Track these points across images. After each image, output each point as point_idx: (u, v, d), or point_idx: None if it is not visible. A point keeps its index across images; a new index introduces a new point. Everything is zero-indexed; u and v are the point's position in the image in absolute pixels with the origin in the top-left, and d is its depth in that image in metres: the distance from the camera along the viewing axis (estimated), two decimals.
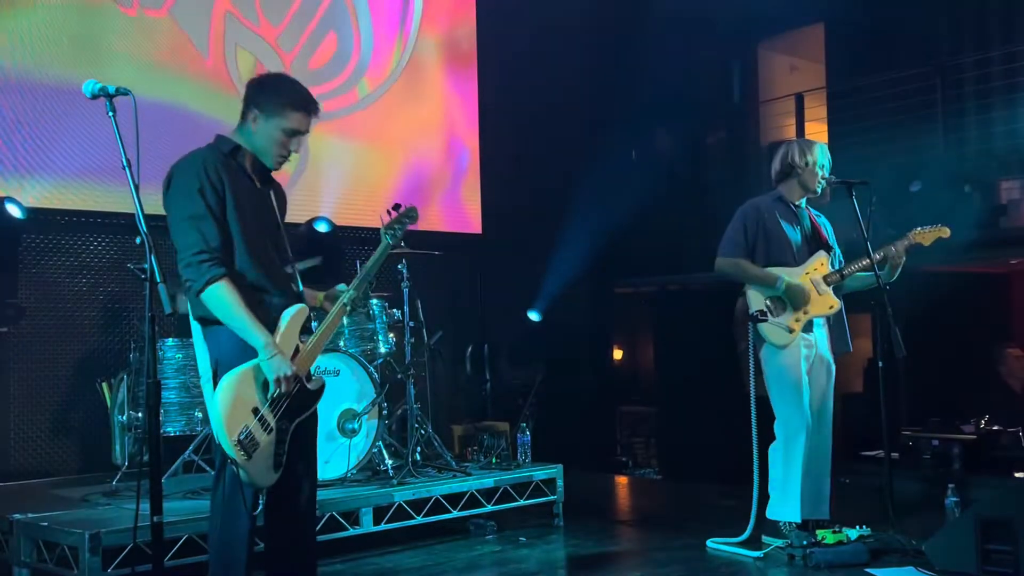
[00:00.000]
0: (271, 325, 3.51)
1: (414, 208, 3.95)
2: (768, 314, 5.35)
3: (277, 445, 3.47)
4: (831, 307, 5.45)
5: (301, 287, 3.79)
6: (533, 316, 8.53)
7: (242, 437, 3.37)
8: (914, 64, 8.58)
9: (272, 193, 3.76)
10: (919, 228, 5.45)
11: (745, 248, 5.44)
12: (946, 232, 5.44)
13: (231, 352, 3.47)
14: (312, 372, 3.72)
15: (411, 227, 3.99)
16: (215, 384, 3.45)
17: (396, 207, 3.94)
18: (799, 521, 5.38)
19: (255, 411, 3.43)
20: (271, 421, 3.46)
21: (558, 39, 8.87)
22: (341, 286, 3.86)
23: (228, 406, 3.38)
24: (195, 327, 3.60)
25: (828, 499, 5.50)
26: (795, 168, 5.49)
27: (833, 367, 5.54)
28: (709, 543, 5.43)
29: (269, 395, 3.46)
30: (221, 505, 3.55)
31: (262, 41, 7.32)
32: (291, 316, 3.56)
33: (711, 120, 9.65)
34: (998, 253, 7.64)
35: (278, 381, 3.42)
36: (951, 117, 8.36)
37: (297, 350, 3.57)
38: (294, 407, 3.54)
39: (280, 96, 3.65)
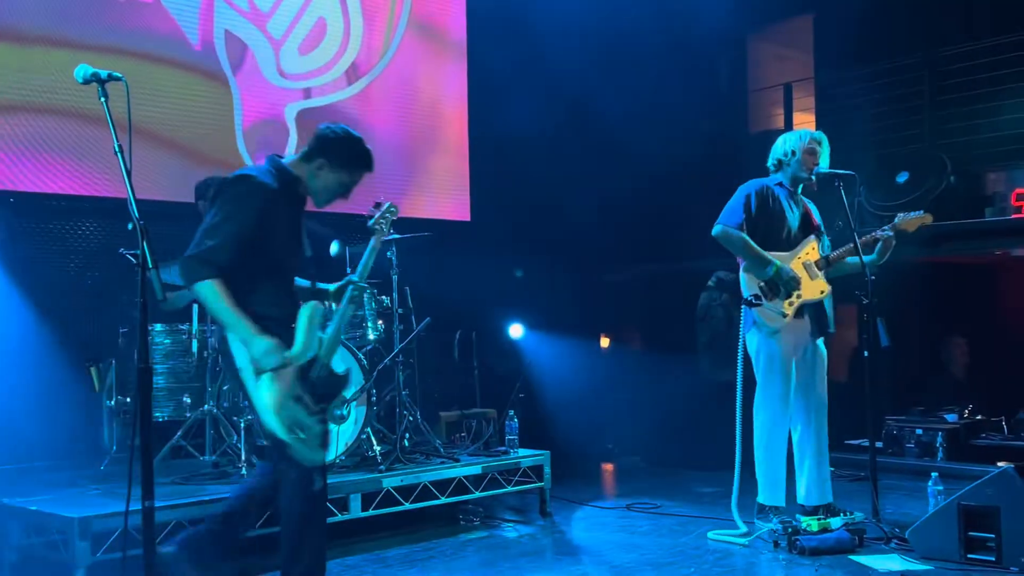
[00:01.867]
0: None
1: (394, 205, 4.35)
2: (762, 298, 5.40)
3: (320, 425, 3.80)
4: (822, 292, 5.52)
5: (319, 284, 4.22)
6: (517, 332, 8.57)
7: (290, 421, 3.68)
8: (902, 55, 8.62)
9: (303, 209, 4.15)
10: (903, 215, 5.50)
11: (748, 221, 5.46)
12: (928, 219, 5.51)
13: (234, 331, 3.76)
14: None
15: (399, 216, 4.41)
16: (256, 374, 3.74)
17: (377, 205, 4.31)
18: (783, 505, 5.45)
19: (297, 397, 3.72)
20: (311, 404, 3.75)
21: (548, 26, 8.86)
22: (352, 277, 4.20)
23: (274, 393, 3.68)
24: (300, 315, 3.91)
25: (829, 483, 5.58)
26: (784, 159, 5.56)
27: (824, 352, 5.60)
28: (710, 535, 5.47)
29: (305, 384, 3.76)
30: (296, 483, 3.79)
31: (251, 26, 7.30)
32: (309, 314, 3.84)
33: (700, 109, 9.66)
34: (983, 244, 7.69)
35: (309, 373, 3.77)
36: (937, 108, 8.41)
37: (320, 342, 3.86)
38: (325, 392, 3.86)
39: (350, 154, 4.08)
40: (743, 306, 5.41)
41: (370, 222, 4.23)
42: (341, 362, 4.14)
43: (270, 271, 3.87)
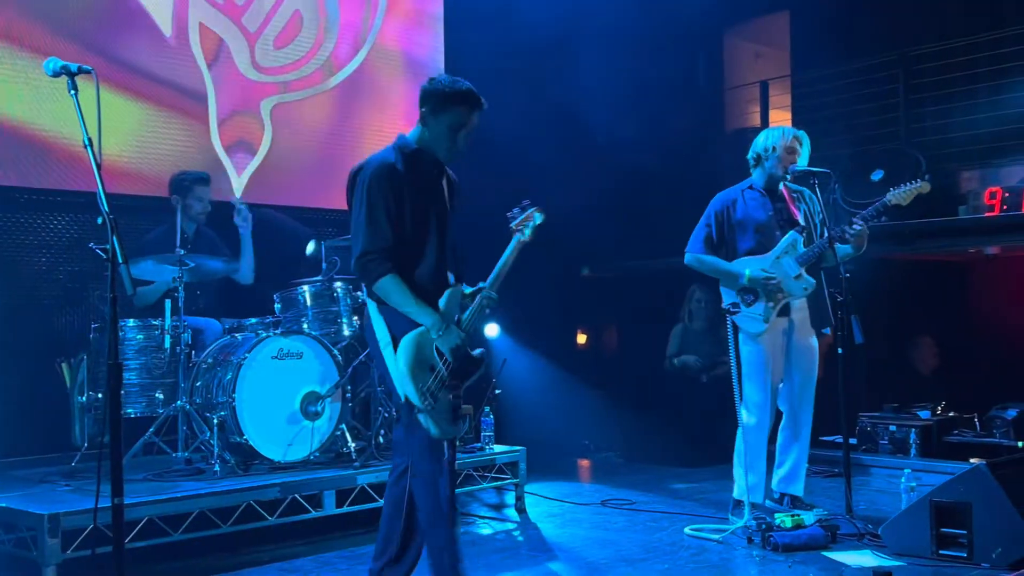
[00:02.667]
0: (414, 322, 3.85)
1: (540, 210, 4.15)
2: (740, 306, 5.45)
3: (454, 399, 3.87)
4: (805, 288, 5.50)
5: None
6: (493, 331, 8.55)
7: (425, 388, 3.78)
8: (877, 53, 8.66)
9: (445, 184, 4.11)
10: (894, 190, 5.41)
11: (712, 243, 5.59)
12: (926, 187, 5.41)
13: (405, 320, 3.85)
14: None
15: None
16: (395, 348, 3.85)
17: (522, 207, 4.14)
18: (760, 502, 5.48)
19: (432, 368, 3.82)
20: (447, 380, 3.83)
21: (524, 21, 8.84)
22: (483, 284, 4.01)
23: (412, 361, 3.80)
24: (370, 304, 3.96)
25: (803, 477, 5.61)
26: (762, 156, 5.59)
27: (815, 347, 5.63)
28: (687, 531, 5.48)
29: (442, 360, 3.84)
30: (426, 446, 3.85)
31: (226, 19, 7.24)
32: (447, 299, 3.90)
33: (676, 106, 9.67)
34: (956, 242, 7.74)
35: (454, 351, 3.82)
36: (912, 107, 8.45)
37: (459, 322, 3.91)
38: (461, 371, 3.89)
39: (444, 93, 3.96)
40: (726, 316, 5.47)
41: (512, 223, 4.08)
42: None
43: (416, 248, 3.91)
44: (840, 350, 5.42)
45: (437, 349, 3.83)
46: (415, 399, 3.79)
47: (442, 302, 3.87)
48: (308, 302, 6.05)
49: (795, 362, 5.58)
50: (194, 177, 6.31)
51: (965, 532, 4.61)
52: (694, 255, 5.67)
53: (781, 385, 5.61)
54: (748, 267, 5.47)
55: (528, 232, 4.04)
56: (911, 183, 5.40)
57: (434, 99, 3.97)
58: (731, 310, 5.44)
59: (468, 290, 4.03)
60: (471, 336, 3.93)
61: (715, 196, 5.73)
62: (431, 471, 3.85)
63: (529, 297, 8.73)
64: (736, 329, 5.51)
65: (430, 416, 3.80)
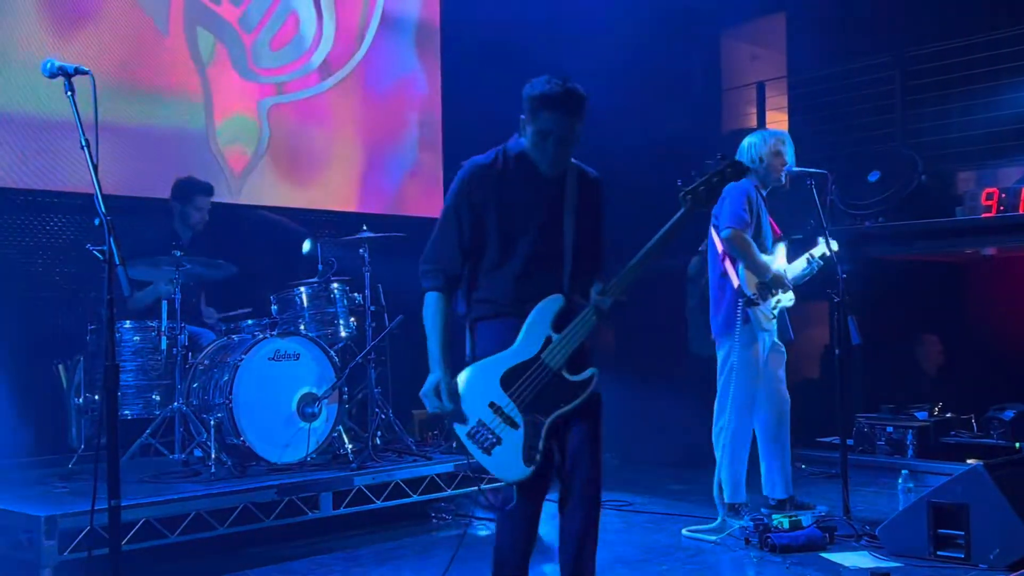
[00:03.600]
0: (497, 337, 3.47)
1: (733, 162, 3.68)
2: (758, 299, 5.41)
3: (529, 438, 3.38)
4: (791, 299, 5.58)
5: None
6: None
7: (472, 431, 3.40)
8: (874, 54, 8.66)
9: (573, 186, 3.64)
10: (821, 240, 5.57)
11: (750, 225, 5.44)
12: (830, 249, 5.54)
13: (485, 347, 3.49)
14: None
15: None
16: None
17: (722, 157, 3.73)
18: (745, 502, 5.48)
19: (491, 405, 3.40)
20: (515, 416, 3.39)
21: (520, 23, 8.84)
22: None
23: (462, 398, 3.41)
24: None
25: (790, 478, 5.61)
26: (754, 164, 5.55)
27: (784, 352, 5.64)
28: (684, 532, 5.46)
29: (511, 389, 3.40)
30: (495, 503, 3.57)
31: (223, 21, 7.24)
32: (538, 310, 3.46)
33: (673, 108, 9.66)
34: (953, 243, 7.75)
35: (505, 378, 3.39)
36: (909, 108, 8.46)
37: (548, 340, 3.44)
38: (547, 400, 3.41)
39: (531, 98, 3.53)
40: (740, 304, 5.37)
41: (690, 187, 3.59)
42: (591, 367, 3.49)
43: (489, 251, 3.53)
44: (837, 351, 5.42)
45: (507, 376, 3.40)
46: (463, 441, 3.42)
47: (530, 317, 3.44)
48: (305, 303, 6.05)
49: (772, 366, 5.59)
50: (197, 187, 6.30)
51: (963, 533, 4.61)
52: (739, 231, 5.35)
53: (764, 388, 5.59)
54: (772, 265, 5.47)
55: (704, 194, 3.59)
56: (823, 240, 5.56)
57: (527, 103, 3.56)
58: (754, 300, 5.38)
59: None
60: (572, 357, 3.44)
61: (738, 183, 5.57)
62: (496, 518, 3.57)
63: None
64: (746, 322, 5.42)
65: (478, 459, 3.41)
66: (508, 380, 3.39)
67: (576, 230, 3.58)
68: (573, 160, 3.67)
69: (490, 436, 3.39)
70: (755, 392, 5.49)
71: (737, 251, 5.38)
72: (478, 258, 3.53)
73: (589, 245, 3.64)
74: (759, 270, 5.42)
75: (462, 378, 3.44)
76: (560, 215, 3.57)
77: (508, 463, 3.38)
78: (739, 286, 5.38)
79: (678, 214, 3.54)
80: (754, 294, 5.38)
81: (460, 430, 3.43)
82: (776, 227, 5.67)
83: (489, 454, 3.39)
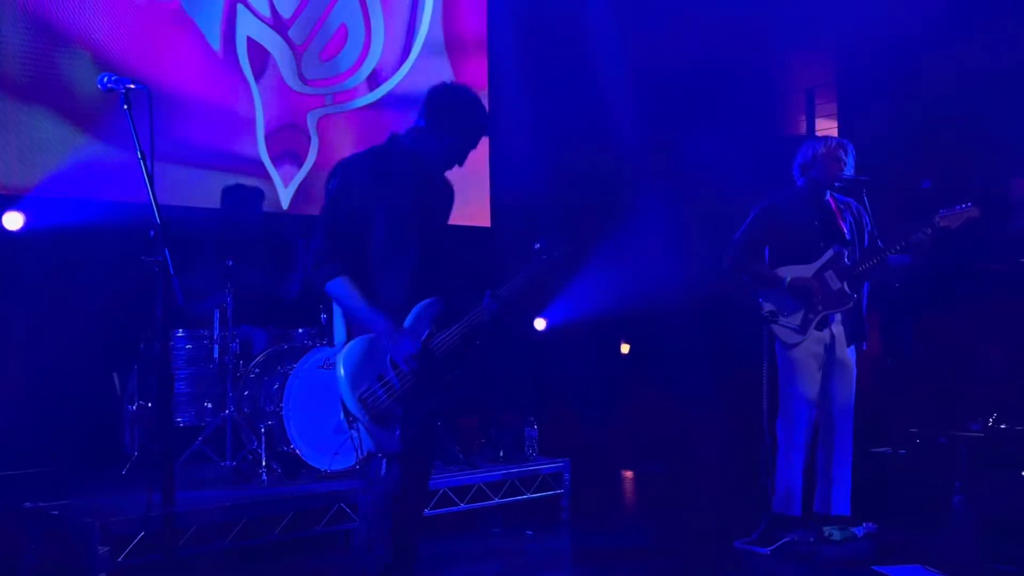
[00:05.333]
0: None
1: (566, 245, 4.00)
2: (778, 315, 5.36)
3: (393, 422, 3.59)
4: (845, 302, 5.43)
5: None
6: (541, 325, 8.58)
7: (363, 395, 3.53)
8: (926, 59, 8.55)
9: (438, 191, 3.94)
10: (945, 211, 5.27)
11: (753, 250, 5.48)
12: (975, 212, 5.25)
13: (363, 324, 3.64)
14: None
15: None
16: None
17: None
18: (799, 515, 5.40)
19: (381, 377, 3.58)
20: (398, 391, 3.59)
21: (567, 33, 8.85)
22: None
23: (353, 366, 3.56)
24: (335, 305, 3.75)
25: (849, 495, 5.51)
26: (807, 165, 5.51)
27: (852, 363, 5.51)
28: (736, 544, 5.40)
29: (397, 370, 3.60)
30: (368, 474, 3.68)
31: (273, 33, 7.33)
32: (420, 308, 3.69)
33: (721, 113, 9.61)
34: (1008, 252, 7.62)
35: (407, 360, 3.57)
36: (962, 113, 8.32)
37: (429, 337, 3.68)
38: (425, 388, 3.65)
39: (452, 118, 3.81)
40: (763, 323, 5.37)
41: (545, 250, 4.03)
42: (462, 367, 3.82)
43: (376, 247, 3.69)
44: (889, 361, 5.35)
45: (392, 359, 3.61)
46: (350, 405, 3.54)
47: (413, 312, 3.68)
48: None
49: (834, 377, 5.49)
50: (246, 192, 6.38)
51: (1017, 547, 4.54)
52: (735, 259, 5.53)
53: (818, 399, 5.51)
54: (789, 275, 5.40)
55: (558, 258, 3.95)
56: (962, 205, 5.27)
57: (445, 118, 3.80)
58: (769, 318, 5.36)
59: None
60: (453, 354, 3.71)
61: (760, 201, 5.65)
62: (363, 487, 3.69)
63: (573, 307, 8.74)
64: (772, 338, 5.42)
65: (364, 427, 3.55)
66: (395, 361, 3.59)
67: (437, 234, 3.86)
68: None
69: (377, 403, 3.54)
70: (803, 403, 5.41)
71: (742, 278, 5.52)
72: (368, 253, 3.66)
73: (446, 245, 3.91)
74: (767, 286, 5.42)
75: (357, 346, 3.58)
76: (433, 217, 3.85)
77: (388, 435, 3.57)
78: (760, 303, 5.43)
79: (538, 265, 3.96)
80: (771, 312, 5.35)
81: (351, 399, 3.52)
82: (843, 228, 5.56)
83: (373, 420, 3.53)
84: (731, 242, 5.56)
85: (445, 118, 3.77)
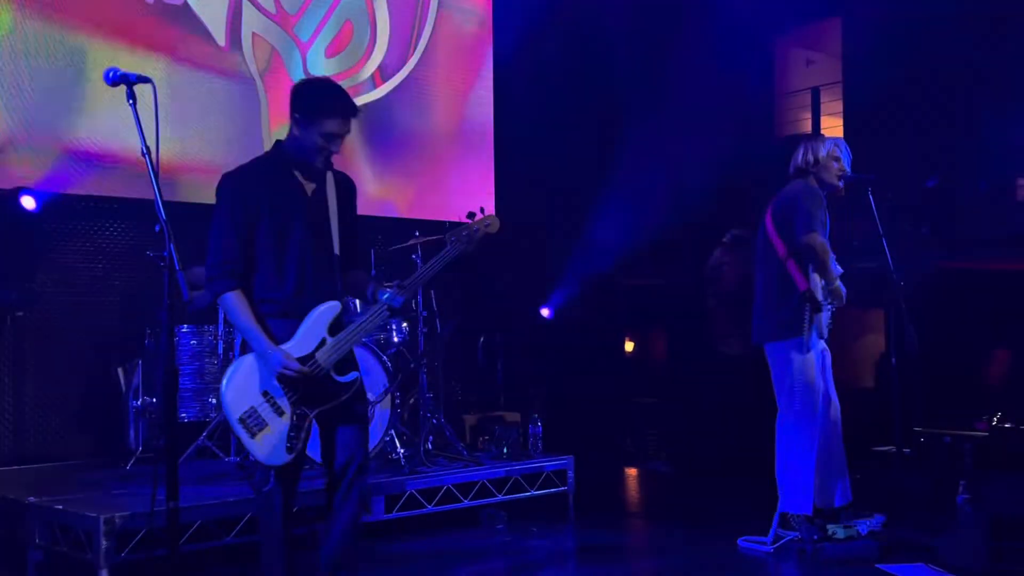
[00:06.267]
0: (276, 333, 3.65)
1: (491, 217, 4.04)
2: (825, 305, 5.30)
3: (292, 430, 3.61)
4: (842, 301, 5.46)
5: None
6: (545, 312, 8.55)
7: (245, 415, 3.56)
8: (931, 59, 8.53)
9: (332, 187, 3.89)
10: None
11: (827, 227, 5.33)
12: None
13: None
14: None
15: (485, 232, 4.06)
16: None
17: (471, 215, 4.05)
18: (810, 514, 5.38)
19: (264, 393, 3.59)
20: (284, 406, 3.60)
21: (574, 30, 8.85)
22: (386, 291, 3.86)
23: (235, 385, 3.59)
24: None
25: (849, 485, 5.49)
26: (807, 167, 5.47)
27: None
28: (740, 541, 5.39)
29: (284, 382, 3.60)
30: (255, 484, 3.75)
31: (279, 29, 7.33)
32: (316, 313, 3.69)
33: (726, 113, 9.60)
34: (1013, 251, 7.61)
35: (280, 376, 3.58)
36: (967, 112, 8.31)
37: (322, 342, 3.68)
38: (315, 396, 3.65)
39: (316, 103, 3.74)
40: (807, 308, 5.25)
41: (453, 232, 3.96)
42: (355, 371, 3.77)
43: (264, 253, 3.70)
44: (894, 359, 5.34)
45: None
46: (232, 425, 3.58)
47: (306, 320, 3.66)
48: (358, 309, 6.09)
49: (828, 373, 5.51)
50: None
51: (1022, 546, 4.53)
52: (819, 238, 5.18)
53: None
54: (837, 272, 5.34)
55: (464, 244, 3.95)
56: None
57: (306, 107, 3.73)
58: (824, 305, 5.27)
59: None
60: (342, 360, 3.69)
61: (802, 184, 5.44)
62: (256, 515, 3.71)
63: (578, 303, 8.75)
64: (810, 323, 5.32)
65: (247, 444, 3.58)
66: (282, 374, 3.57)
67: (340, 230, 3.85)
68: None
69: (259, 422, 3.57)
70: (815, 399, 5.39)
71: (816, 256, 5.20)
72: (256, 259, 3.68)
73: (351, 242, 3.92)
74: (830, 276, 5.31)
75: (242, 365, 3.62)
76: (326, 216, 3.82)
77: (272, 449, 3.58)
78: (807, 290, 5.24)
79: (445, 255, 3.93)
80: (823, 300, 5.27)
81: (232, 414, 3.57)
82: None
83: (255, 439, 3.57)
84: (808, 216, 5.23)
85: (303, 111, 3.72)
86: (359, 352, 5.73)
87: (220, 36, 7.01)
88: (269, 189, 3.71)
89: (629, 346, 10.11)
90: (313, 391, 3.64)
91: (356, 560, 3.90)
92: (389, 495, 5.45)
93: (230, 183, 3.73)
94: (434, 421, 6.22)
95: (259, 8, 7.21)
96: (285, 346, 3.62)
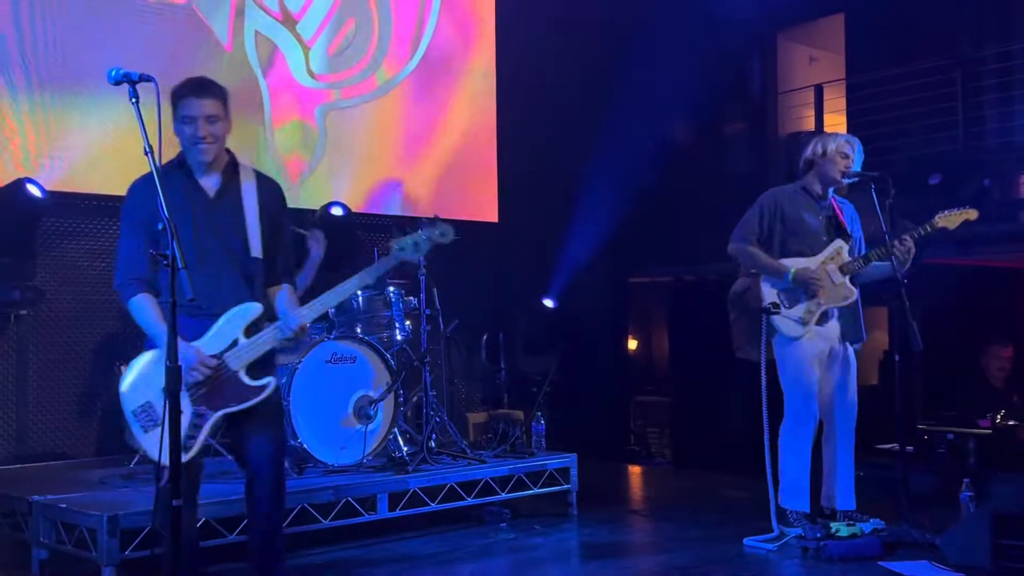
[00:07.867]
0: (187, 331, 3.56)
1: (445, 226, 4.06)
2: (780, 307, 5.34)
3: (190, 428, 3.57)
4: (845, 297, 5.42)
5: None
6: (549, 303, 8.54)
7: (138, 410, 3.59)
8: (934, 56, 8.52)
9: (250, 190, 3.83)
10: (944, 212, 5.33)
11: (759, 235, 5.44)
12: (973, 214, 5.31)
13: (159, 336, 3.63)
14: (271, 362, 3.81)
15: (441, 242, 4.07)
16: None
17: (432, 221, 4.10)
18: (807, 511, 5.39)
19: (164, 390, 3.47)
20: (183, 404, 3.44)
21: (577, 27, 8.85)
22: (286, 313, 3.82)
23: (134, 378, 3.62)
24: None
25: (853, 490, 5.50)
26: (815, 159, 5.49)
27: (852, 358, 5.52)
28: (746, 541, 5.38)
29: (185, 381, 3.51)
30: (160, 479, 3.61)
31: (281, 28, 7.33)
32: (231, 314, 3.69)
33: (729, 110, 9.60)
34: (1017, 248, 7.60)
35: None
36: (971, 110, 8.31)
37: (235, 343, 3.68)
38: (219, 397, 3.64)
39: (172, 97, 3.77)
40: (763, 315, 5.34)
41: (398, 239, 3.96)
42: (271, 376, 3.76)
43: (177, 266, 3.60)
44: (897, 356, 5.33)
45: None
46: (127, 418, 3.60)
47: (220, 320, 3.66)
48: (361, 307, 6.09)
49: (837, 373, 5.48)
50: None
51: None
52: (739, 245, 5.47)
53: (822, 395, 5.49)
54: (794, 266, 5.37)
55: (415, 253, 3.93)
56: (960, 208, 5.30)
57: (172, 108, 3.75)
58: (771, 310, 5.32)
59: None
60: (255, 363, 3.67)
61: (768, 191, 5.62)
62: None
63: (580, 301, 8.75)
64: (772, 332, 5.38)
65: (139, 439, 3.59)
66: (189, 371, 3.53)
67: (262, 234, 3.78)
68: (251, 166, 3.90)
69: (154, 418, 3.55)
70: (807, 397, 5.39)
71: (743, 263, 5.50)
72: (167, 263, 3.51)
73: (275, 249, 3.84)
74: (774, 275, 5.37)
75: (144, 359, 3.64)
76: (241, 219, 3.76)
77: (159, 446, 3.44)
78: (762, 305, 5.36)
79: (385, 262, 3.90)
80: (772, 303, 5.31)
81: (127, 406, 3.59)
82: (844, 225, 5.55)
83: (148, 434, 3.57)
84: (735, 228, 5.52)
85: (173, 112, 3.75)
86: (361, 350, 5.76)
87: (223, 35, 7.01)
88: (167, 193, 3.46)
89: (632, 343, 10.11)
90: (219, 392, 3.63)
91: (276, 561, 3.86)
92: (392, 493, 5.45)
93: (130, 191, 3.78)
94: (437, 419, 6.23)
95: (262, 7, 7.22)
96: (196, 343, 3.62)
